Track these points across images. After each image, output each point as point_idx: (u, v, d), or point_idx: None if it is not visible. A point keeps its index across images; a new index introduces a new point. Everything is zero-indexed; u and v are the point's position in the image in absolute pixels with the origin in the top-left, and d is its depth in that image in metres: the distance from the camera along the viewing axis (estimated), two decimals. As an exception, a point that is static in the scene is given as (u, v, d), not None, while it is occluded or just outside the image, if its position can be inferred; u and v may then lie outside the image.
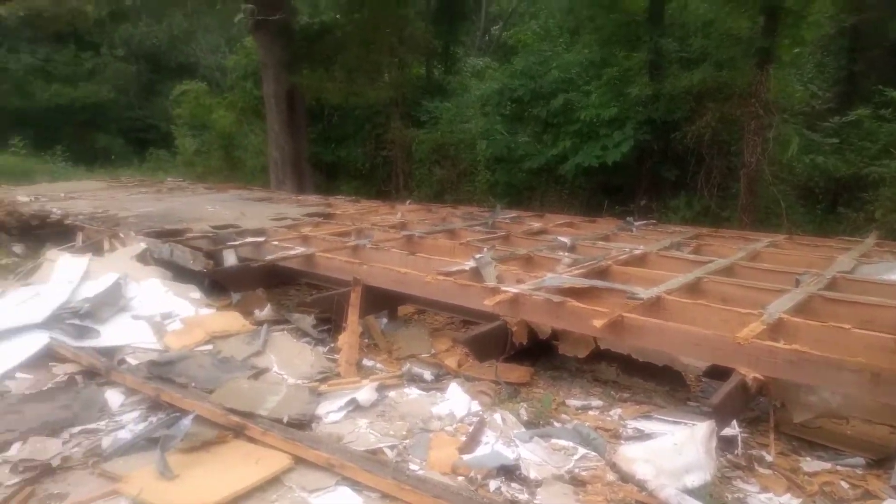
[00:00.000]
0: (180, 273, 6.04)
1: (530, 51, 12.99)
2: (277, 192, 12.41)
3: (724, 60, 10.16)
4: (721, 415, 3.36)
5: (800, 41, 10.22)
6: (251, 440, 3.43)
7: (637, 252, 5.73)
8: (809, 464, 3.46)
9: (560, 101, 11.24)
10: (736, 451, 3.53)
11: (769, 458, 3.52)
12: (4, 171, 15.77)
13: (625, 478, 3.21)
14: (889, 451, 3.39)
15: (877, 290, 4.45)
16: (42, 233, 8.22)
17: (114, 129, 25.90)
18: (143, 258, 6.22)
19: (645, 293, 4.22)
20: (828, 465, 3.44)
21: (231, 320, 5.23)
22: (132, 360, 4.44)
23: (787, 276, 4.82)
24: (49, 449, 3.33)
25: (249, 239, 6.42)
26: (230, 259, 6.13)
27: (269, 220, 7.79)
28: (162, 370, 4.17)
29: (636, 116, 10.62)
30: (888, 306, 4.00)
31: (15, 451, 3.35)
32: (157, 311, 5.17)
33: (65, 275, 5.53)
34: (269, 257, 5.91)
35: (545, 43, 13.40)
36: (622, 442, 3.62)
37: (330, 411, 3.88)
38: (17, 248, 8.57)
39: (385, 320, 5.69)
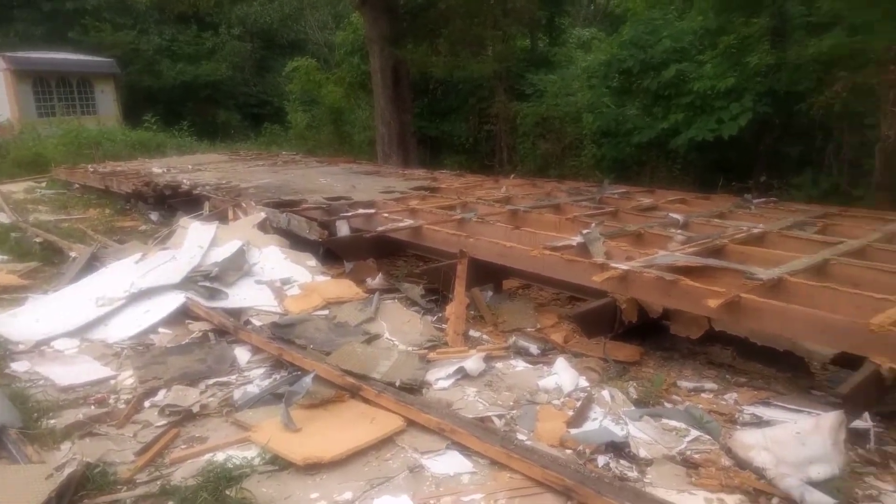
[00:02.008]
0: (297, 241, 6.37)
1: (639, 19, 12.41)
2: (384, 166, 12.73)
3: (859, 24, 9.27)
4: (851, 405, 3.17)
5: (950, -1, 9.16)
6: (366, 401, 3.61)
7: (756, 231, 5.44)
8: (954, 465, 3.20)
9: (672, 71, 10.71)
10: (868, 446, 3.32)
11: (905, 454, 3.29)
12: (140, 146, 17.11)
13: (741, 464, 3.11)
14: None
15: None
16: (174, 202, 8.90)
17: (231, 104, 27.41)
18: (263, 227, 6.61)
19: (765, 274, 4.02)
20: (973, 466, 3.17)
21: (345, 287, 5.47)
22: (256, 321, 4.77)
23: (931, 260, 4.42)
24: (189, 397, 3.67)
25: (361, 210, 6.65)
26: (343, 229, 6.39)
27: (378, 192, 8.03)
28: (283, 332, 4.46)
29: (755, 87, 9.95)
30: None
31: (161, 396, 3.72)
32: (276, 277, 5.50)
33: (196, 241, 5.98)
34: (379, 228, 6.12)
35: (655, 10, 12.75)
36: (738, 427, 3.50)
37: (439, 378, 4.00)
38: (153, 216, 9.35)
39: (490, 293, 5.74)
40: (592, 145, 12.74)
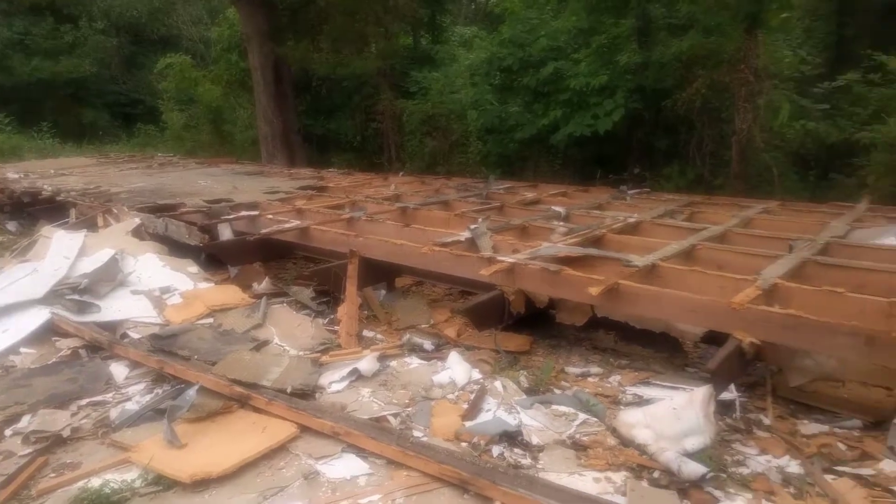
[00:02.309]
0: (176, 248, 6.02)
1: (517, 19, 12.80)
2: (269, 166, 12.33)
3: (712, 26, 10.08)
4: (719, 379, 3.43)
5: (787, 6, 10.12)
6: (256, 410, 3.48)
7: (631, 220, 5.77)
8: (807, 426, 3.54)
9: (549, 69, 11.13)
10: (734, 415, 3.61)
11: (767, 421, 3.60)
12: (-10, 149, 15.54)
13: (625, 442, 3.29)
14: (885, 412, 3.48)
15: (870, 255, 4.52)
16: (34, 210, 8.15)
17: (99, 103, 25.41)
18: (138, 233, 6.20)
19: (640, 261, 4.27)
20: (825, 428, 3.51)
21: (230, 294, 5.25)
22: (134, 334, 4.47)
23: (781, 241, 4.87)
24: (58, 420, 3.37)
25: (244, 213, 6.40)
26: (225, 233, 6.12)
27: (262, 193, 7.77)
28: (164, 343, 4.20)
29: (626, 84, 10.56)
30: (881, 270, 4.07)
31: (25, 422, 3.39)
32: (155, 286, 5.18)
33: (61, 251, 5.51)
34: (264, 231, 5.91)
35: (532, 10, 13.20)
36: (622, 407, 3.69)
37: (332, 381, 3.93)
38: (11, 226, 8.52)
39: (383, 292, 5.71)
40: (478, 142, 13.00)
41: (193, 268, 5.72)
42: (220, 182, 8.96)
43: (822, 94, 10.41)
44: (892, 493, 2.93)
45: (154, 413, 3.45)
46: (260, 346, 4.41)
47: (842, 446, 3.32)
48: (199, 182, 9.02)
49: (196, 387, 3.49)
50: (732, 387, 3.72)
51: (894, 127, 8.60)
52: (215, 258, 5.99)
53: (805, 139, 9.98)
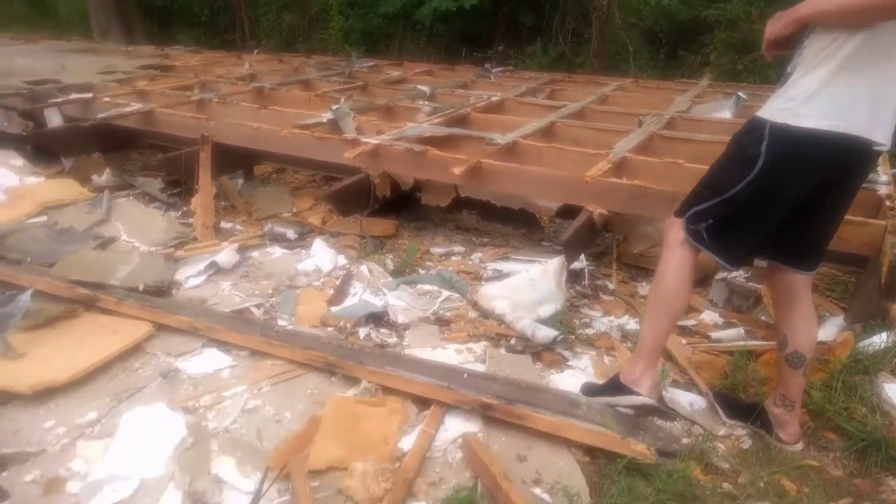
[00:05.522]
0: (-7, 138, 5.30)
1: None
2: (102, 43, 10.92)
3: None
4: (570, 250, 3.64)
5: None
6: (105, 312, 3.26)
7: (495, 99, 5.77)
8: (644, 288, 3.89)
9: (414, -63, 10.53)
10: (583, 283, 3.88)
11: (611, 286, 3.91)
12: None
13: (485, 314, 3.45)
14: (709, 271, 3.87)
15: (708, 128, 4.85)
16: None
17: None
18: (-57, 122, 5.36)
19: (502, 139, 4.31)
20: (658, 288, 3.87)
21: (65, 188, 4.75)
22: (-51, 239, 3.95)
23: (632, 117, 5.09)
24: None
25: (75, 95, 5.68)
26: (54, 119, 5.44)
27: (96, 73, 6.92)
28: (-12, 247, 3.76)
29: (492, -44, 10.25)
30: (717, 142, 4.38)
31: None
32: (-29, 183, 4.57)
33: None
34: (100, 115, 5.30)
35: None
36: (483, 283, 3.84)
37: (190, 276, 3.75)
38: None
39: (241, 181, 5.41)
40: (339, 17, 12.23)
41: (18, 160, 5.09)
42: (44, 60, 7.85)
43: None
44: (707, 338, 3.34)
45: (-17, 323, 3.13)
46: (105, 243, 4.08)
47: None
48: (17, 60, 7.85)
49: (30, 291, 3.19)
50: (582, 257, 3.97)
51: (737, 6, 9.04)
52: (44, 149, 5.34)
53: (659, 17, 10.29)
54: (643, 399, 2.49)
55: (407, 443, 2.42)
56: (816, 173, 2.14)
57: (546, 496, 2.21)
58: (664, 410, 2.63)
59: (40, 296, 3.26)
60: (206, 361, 2.96)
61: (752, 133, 2.22)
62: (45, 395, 2.63)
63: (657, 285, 2.49)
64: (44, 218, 4.34)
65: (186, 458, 2.33)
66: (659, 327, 2.49)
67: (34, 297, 3.16)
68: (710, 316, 3.58)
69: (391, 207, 4.74)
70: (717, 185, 2.33)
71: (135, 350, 2.99)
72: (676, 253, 2.43)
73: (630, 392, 2.51)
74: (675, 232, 2.44)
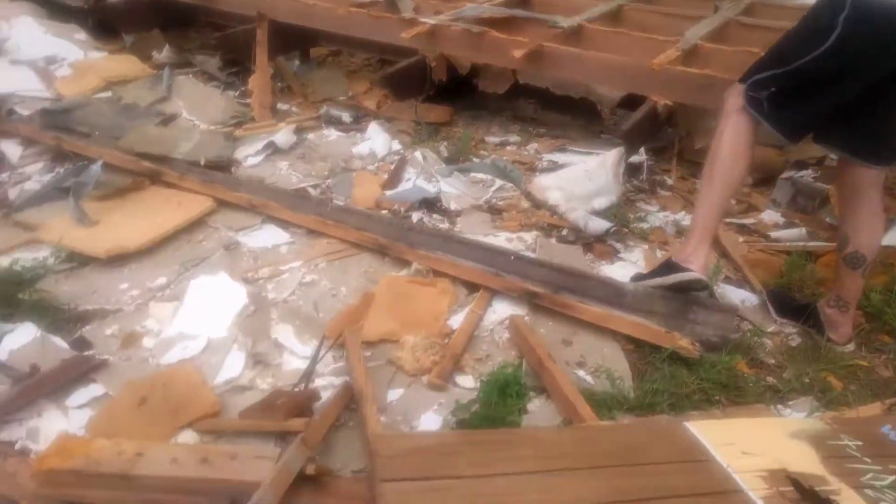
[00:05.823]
0: (57, 10, 5.34)
1: None
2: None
3: None
4: (629, 141, 3.52)
5: None
6: (169, 185, 3.38)
7: (561, -21, 5.42)
8: (699, 185, 3.76)
9: None
10: (641, 177, 3.78)
11: (670, 181, 3.80)
12: None
13: (538, 205, 3.43)
14: (773, 170, 3.71)
15: (791, 15, 4.42)
16: None
17: None
18: (8, -7, 5.41)
19: (566, 22, 4.07)
20: (720, 185, 3.74)
21: (128, 64, 4.81)
22: (22, 111, 4.10)
23: (707, 1, 4.72)
24: (-49, 203, 3.19)
25: (133, -31, 5.60)
26: (114, -7, 5.40)
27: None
28: (58, 119, 3.89)
29: None
30: (798, 31, 4.06)
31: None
32: (38, 55, 4.66)
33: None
34: (158, -11, 5.25)
35: None
36: (537, 174, 3.79)
37: (248, 155, 3.82)
38: None
39: (297, 62, 5.35)
40: None
41: (81, 35, 5.13)
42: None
43: None
44: (765, 237, 3.26)
45: (58, 192, 3.29)
46: (167, 119, 4.16)
47: (732, 201, 3.57)
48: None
49: (100, 163, 3.32)
50: (642, 150, 3.84)
51: None
52: (105, 23, 5.36)
53: None
54: (693, 274, 2.37)
55: (456, 321, 2.52)
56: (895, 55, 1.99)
57: (589, 377, 2.28)
58: (713, 288, 2.55)
59: (109, 168, 3.39)
60: (266, 237, 3.08)
61: (832, 3, 2.05)
62: (119, 260, 2.81)
63: (712, 155, 2.40)
64: (108, 93, 4.42)
65: (248, 323, 2.48)
66: (712, 199, 2.40)
67: (104, 169, 3.29)
68: (770, 216, 3.47)
69: (447, 94, 4.64)
70: (785, 54, 2.19)
71: (199, 223, 3.13)
72: (733, 119, 2.33)
73: (680, 269, 2.41)
74: (735, 98, 2.34)
